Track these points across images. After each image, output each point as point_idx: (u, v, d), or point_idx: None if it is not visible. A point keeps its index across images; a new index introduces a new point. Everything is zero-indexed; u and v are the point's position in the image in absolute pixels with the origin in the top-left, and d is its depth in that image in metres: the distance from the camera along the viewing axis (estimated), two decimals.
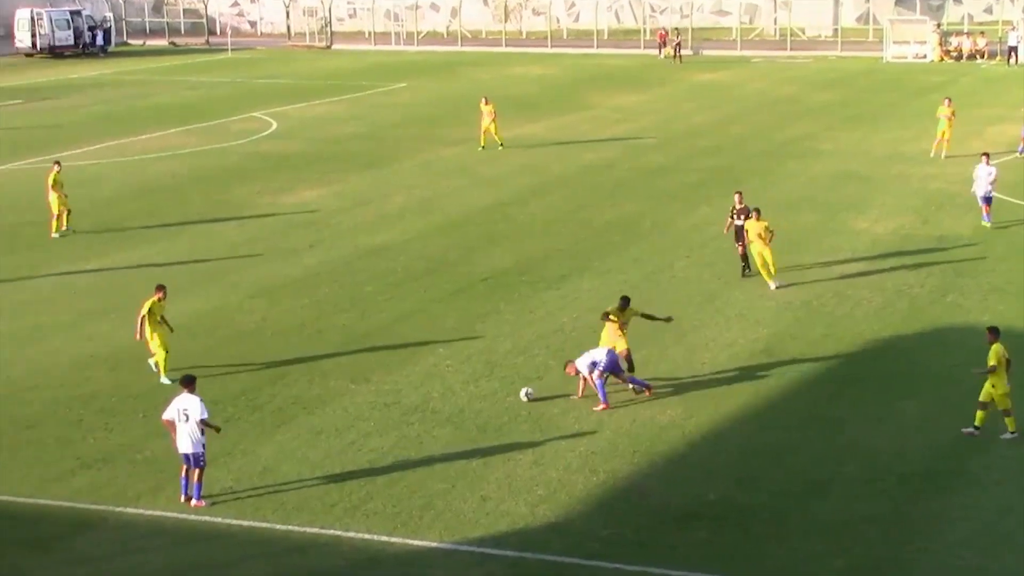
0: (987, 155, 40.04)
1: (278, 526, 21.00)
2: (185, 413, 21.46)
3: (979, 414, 23.92)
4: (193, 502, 21.61)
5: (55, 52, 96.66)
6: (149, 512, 21.52)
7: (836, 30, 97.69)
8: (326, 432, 24.63)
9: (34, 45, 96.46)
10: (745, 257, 34.15)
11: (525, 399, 25.89)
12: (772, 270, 33.34)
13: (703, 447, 23.95)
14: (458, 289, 33.88)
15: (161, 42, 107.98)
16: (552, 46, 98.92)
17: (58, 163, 41.02)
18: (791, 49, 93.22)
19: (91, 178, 48.35)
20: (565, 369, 26.28)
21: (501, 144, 53.68)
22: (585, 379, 25.79)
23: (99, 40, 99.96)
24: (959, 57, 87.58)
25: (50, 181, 39.84)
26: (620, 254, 37.05)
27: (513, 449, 23.76)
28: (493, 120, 53.67)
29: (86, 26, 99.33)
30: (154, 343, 27.01)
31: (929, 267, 35.14)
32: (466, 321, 31.20)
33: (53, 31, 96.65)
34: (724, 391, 26.47)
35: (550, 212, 42.54)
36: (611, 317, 26.86)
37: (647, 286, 33.71)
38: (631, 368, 26.50)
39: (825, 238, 38.50)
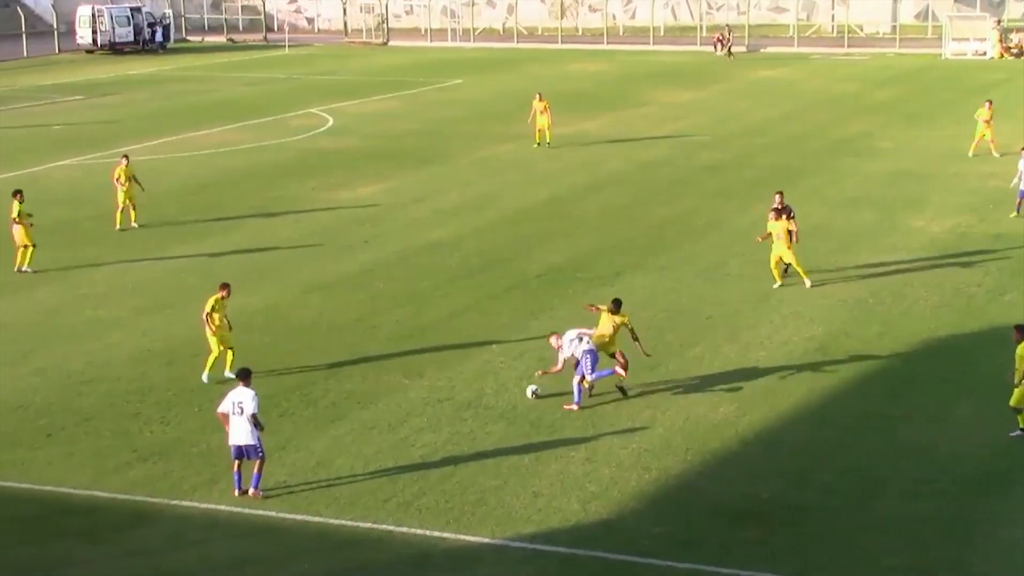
0: None
1: (331, 520, 21.10)
2: (240, 406, 21.57)
3: (1020, 417, 23.72)
4: (251, 491, 21.74)
5: (115, 48, 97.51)
6: (204, 505, 21.67)
7: (894, 27, 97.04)
8: (379, 427, 24.72)
9: (95, 42, 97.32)
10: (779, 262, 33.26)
11: (532, 397, 25.82)
12: (800, 271, 32.87)
13: (756, 445, 23.86)
14: (513, 285, 33.90)
15: (219, 39, 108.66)
16: (608, 43, 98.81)
17: (126, 157, 41.39)
18: (849, 46, 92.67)
19: (149, 173, 48.57)
20: (548, 339, 26.19)
21: (549, 143, 53.40)
22: (563, 360, 25.62)
23: (158, 36, 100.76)
24: (1020, 54, 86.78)
25: (116, 175, 40.31)
26: (674, 251, 36.96)
27: (565, 446, 23.76)
28: (546, 116, 53.43)
29: (146, 23, 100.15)
30: (212, 340, 27.02)
31: (986, 265, 34.85)
32: (520, 317, 31.22)
33: (113, 28, 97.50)
34: (778, 389, 26.35)
35: (605, 209, 42.50)
36: (600, 307, 26.63)
37: (701, 283, 33.61)
38: (626, 367, 25.83)
39: (882, 236, 38.25)
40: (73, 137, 58.35)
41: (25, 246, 35.78)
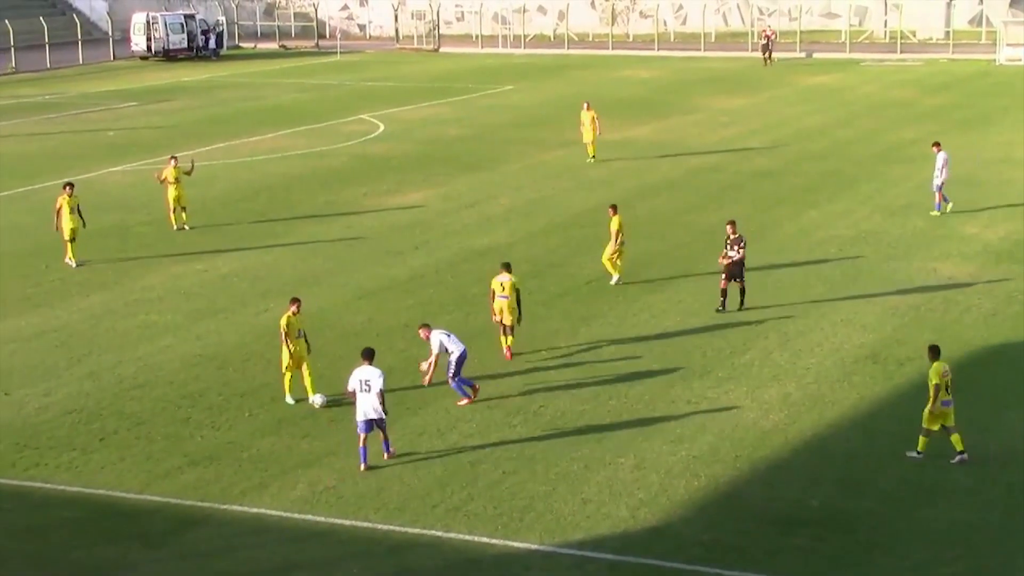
0: (937, 144, 41.93)
1: (380, 526, 21.18)
2: (367, 384, 23.01)
3: (921, 439, 23.23)
4: (386, 455, 23.39)
5: (169, 55, 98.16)
6: (254, 510, 21.81)
7: (948, 32, 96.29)
8: (428, 433, 24.79)
9: (149, 48, 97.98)
10: (725, 293, 31.74)
11: (320, 405, 25.87)
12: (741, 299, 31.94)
13: (806, 453, 23.77)
14: (562, 291, 33.91)
15: (272, 45, 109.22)
16: (659, 49, 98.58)
17: (174, 157, 41.81)
18: (901, 52, 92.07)
19: (202, 178, 48.89)
20: (419, 331, 26.37)
21: (593, 157, 51.61)
22: (435, 356, 26.03)
23: (211, 44, 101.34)
24: None
25: (163, 176, 41.01)
26: None
27: (614, 452, 23.75)
28: (594, 127, 51.33)
29: (199, 30, 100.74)
30: (284, 357, 26.27)
31: None
32: (570, 323, 31.23)
33: (167, 35, 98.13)
34: (828, 397, 26.24)
35: (656, 215, 42.44)
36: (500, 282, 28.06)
37: (753, 290, 33.46)
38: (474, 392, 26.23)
39: (934, 243, 38.00)
40: (127, 143, 58.83)
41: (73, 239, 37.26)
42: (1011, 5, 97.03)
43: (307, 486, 22.56)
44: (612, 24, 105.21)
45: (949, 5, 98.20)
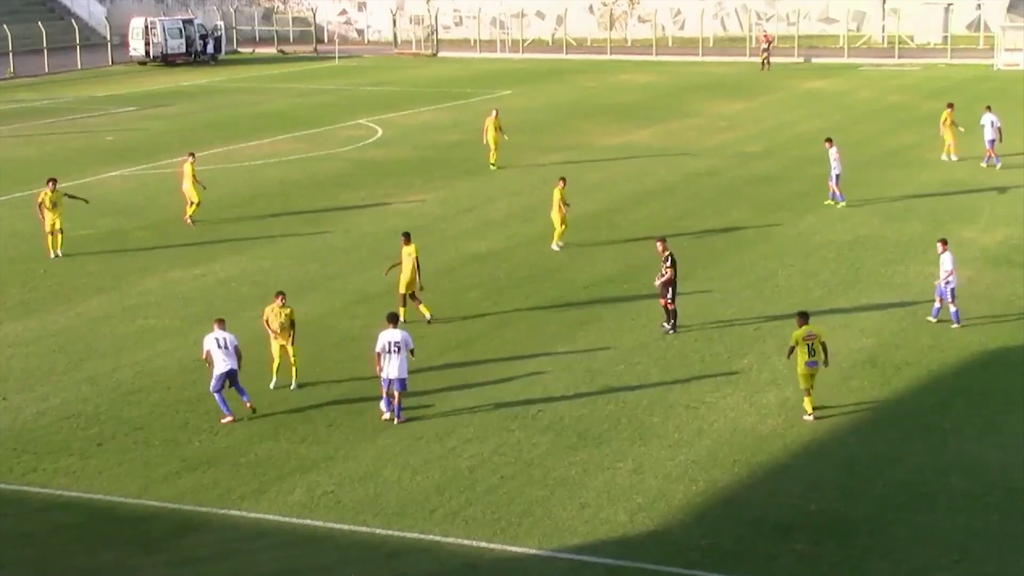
0: (830, 140, 44.38)
1: (378, 531, 21.17)
2: (396, 345, 25.08)
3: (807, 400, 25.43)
4: (396, 421, 25.25)
5: (167, 60, 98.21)
6: (252, 514, 21.80)
7: (946, 37, 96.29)
8: (426, 437, 24.78)
9: (147, 53, 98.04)
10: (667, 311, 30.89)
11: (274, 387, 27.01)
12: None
13: (805, 457, 23.76)
14: (560, 296, 33.92)
15: (270, 50, 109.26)
16: (657, 54, 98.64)
17: (52, 181, 39.63)
18: (899, 57, 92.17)
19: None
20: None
21: (494, 164, 51.93)
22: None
23: (210, 48, 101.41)
24: None
25: (40, 199, 39.09)
26: (724, 262, 36.86)
27: (613, 457, 23.74)
28: (496, 132, 51.77)
29: (198, 35, 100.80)
30: (274, 348, 27.44)
31: None
32: (567, 328, 31.23)
33: (166, 40, 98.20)
34: (827, 401, 26.21)
35: (654, 219, 42.43)
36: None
37: (750, 294, 33.53)
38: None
39: (932, 248, 37.77)
40: (125, 148, 58.83)
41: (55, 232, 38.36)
42: (1009, 10, 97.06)
43: (305, 491, 22.55)
44: (610, 29, 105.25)
45: (947, 10, 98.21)
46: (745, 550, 20.32)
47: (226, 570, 20.18)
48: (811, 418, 25.26)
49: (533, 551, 20.41)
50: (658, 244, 31.20)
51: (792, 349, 25.52)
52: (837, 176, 43.87)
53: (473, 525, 21.22)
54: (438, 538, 20.86)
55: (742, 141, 58.23)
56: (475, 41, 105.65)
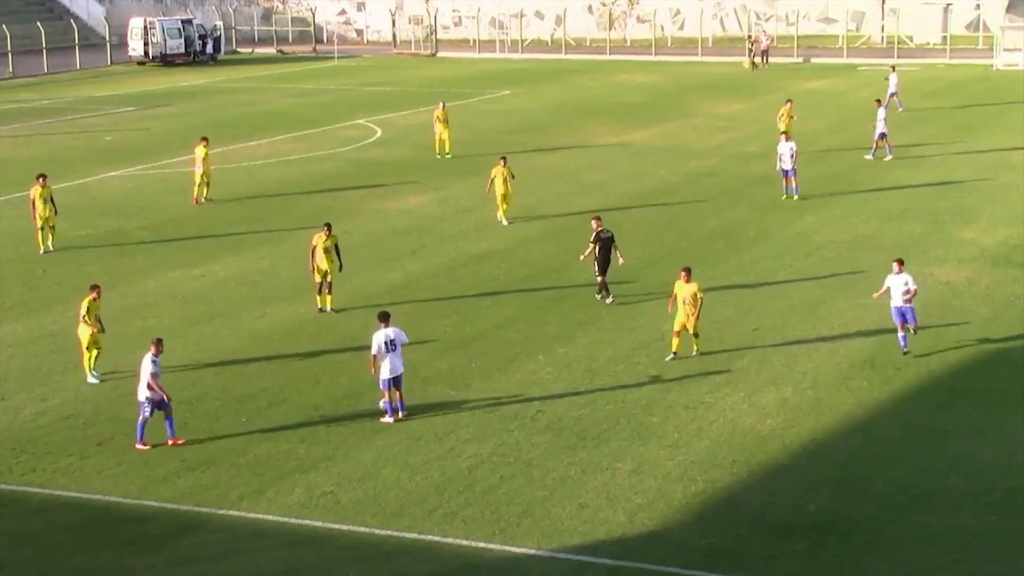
0: (786, 133, 46.78)
1: (377, 531, 21.16)
2: (392, 343, 25.08)
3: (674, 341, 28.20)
4: (400, 414, 25.40)
5: (166, 60, 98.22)
6: (251, 515, 21.79)
7: (945, 37, 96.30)
8: (426, 438, 24.77)
9: (146, 53, 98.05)
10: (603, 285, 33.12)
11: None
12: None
13: (804, 457, 23.75)
14: (560, 296, 33.91)
15: (269, 50, 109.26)
16: (656, 54, 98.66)
17: (42, 176, 39.83)
18: (898, 57, 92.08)
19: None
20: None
21: (448, 153, 54.72)
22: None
23: (209, 48, 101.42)
24: None
25: (31, 196, 39.26)
26: (723, 263, 36.85)
27: (612, 457, 23.73)
28: (447, 126, 54.77)
29: (197, 35, 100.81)
30: (87, 341, 28.19)
31: None
32: (567, 328, 31.22)
33: (165, 40, 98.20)
34: (826, 401, 26.23)
35: (653, 219, 42.43)
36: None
37: (749, 294, 33.51)
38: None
39: (931, 248, 38.01)
40: (124, 148, 58.83)
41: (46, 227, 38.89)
42: (1008, 10, 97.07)
43: (304, 491, 22.54)
44: (610, 29, 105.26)
45: (946, 10, 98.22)
46: (744, 550, 20.31)
47: (225, 570, 20.17)
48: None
49: (532, 551, 20.40)
50: (592, 222, 33.44)
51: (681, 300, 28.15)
52: (882, 134, 50.50)
53: (472, 525, 21.21)
54: (437, 538, 20.85)
55: (742, 141, 58.21)
56: (474, 41, 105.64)
